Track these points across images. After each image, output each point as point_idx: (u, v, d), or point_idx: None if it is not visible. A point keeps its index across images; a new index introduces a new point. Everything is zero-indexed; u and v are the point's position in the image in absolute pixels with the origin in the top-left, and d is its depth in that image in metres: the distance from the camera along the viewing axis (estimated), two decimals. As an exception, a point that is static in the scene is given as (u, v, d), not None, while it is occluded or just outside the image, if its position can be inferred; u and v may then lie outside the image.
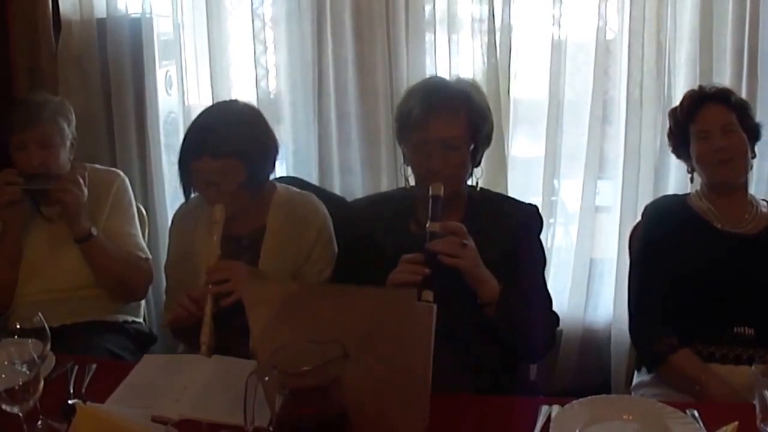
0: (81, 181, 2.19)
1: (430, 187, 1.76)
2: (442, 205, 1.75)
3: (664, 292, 1.99)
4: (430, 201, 1.75)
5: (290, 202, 2.07)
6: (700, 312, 1.95)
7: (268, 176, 2.07)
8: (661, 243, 2.03)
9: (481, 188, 1.95)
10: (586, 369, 2.77)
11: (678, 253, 1.98)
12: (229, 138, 1.89)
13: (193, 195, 2.04)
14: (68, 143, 2.26)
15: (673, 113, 2.12)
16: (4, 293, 2.24)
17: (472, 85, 1.95)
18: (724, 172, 2.00)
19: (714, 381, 1.86)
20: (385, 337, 1.28)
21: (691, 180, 2.11)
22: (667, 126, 2.15)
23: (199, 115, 2.01)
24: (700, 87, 2.10)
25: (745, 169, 2.03)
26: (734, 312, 1.93)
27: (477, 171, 1.93)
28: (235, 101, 2.11)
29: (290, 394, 1.15)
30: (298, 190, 2.14)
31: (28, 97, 2.32)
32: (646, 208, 2.17)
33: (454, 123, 1.81)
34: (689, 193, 2.13)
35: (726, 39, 2.48)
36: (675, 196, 2.26)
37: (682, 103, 2.09)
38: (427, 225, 1.74)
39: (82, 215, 2.18)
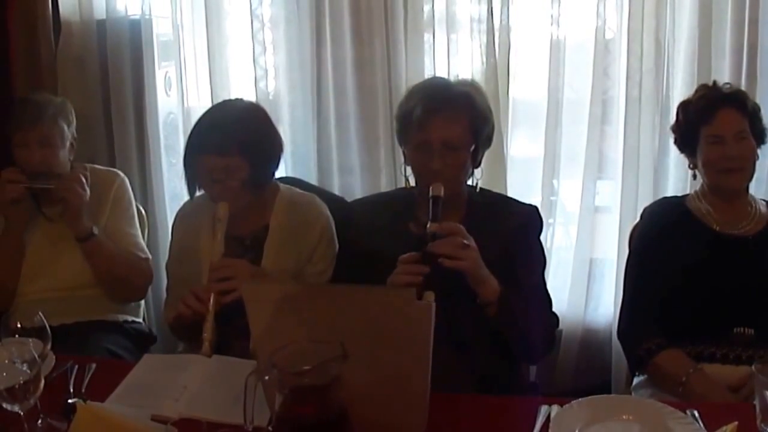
0: (84, 180, 2.20)
1: (431, 188, 1.76)
2: (442, 206, 1.75)
3: (661, 294, 1.98)
4: (431, 201, 1.75)
5: (293, 203, 2.07)
6: (700, 313, 1.95)
7: (272, 175, 2.07)
8: (657, 245, 2.02)
9: (481, 189, 1.95)
10: (586, 369, 2.77)
11: (674, 256, 1.98)
12: (234, 136, 1.90)
13: (197, 193, 2.04)
14: (68, 144, 2.27)
15: (684, 108, 2.06)
16: (6, 292, 2.25)
17: (474, 86, 1.95)
18: (730, 180, 1.98)
19: (697, 381, 1.85)
20: (385, 337, 1.28)
21: (694, 177, 2.08)
22: (667, 124, 2.14)
23: (205, 113, 2.01)
24: (715, 84, 2.06)
25: (751, 176, 2.01)
26: (734, 312, 1.93)
27: (477, 172, 1.93)
28: (240, 100, 2.12)
29: (290, 394, 1.15)
30: (301, 191, 2.14)
31: (31, 96, 2.34)
32: (644, 209, 2.16)
33: (455, 124, 1.81)
34: (688, 195, 2.13)
35: (725, 38, 2.47)
36: (674, 197, 2.23)
37: (695, 100, 2.04)
38: (428, 225, 1.74)
39: (84, 214, 2.19)
